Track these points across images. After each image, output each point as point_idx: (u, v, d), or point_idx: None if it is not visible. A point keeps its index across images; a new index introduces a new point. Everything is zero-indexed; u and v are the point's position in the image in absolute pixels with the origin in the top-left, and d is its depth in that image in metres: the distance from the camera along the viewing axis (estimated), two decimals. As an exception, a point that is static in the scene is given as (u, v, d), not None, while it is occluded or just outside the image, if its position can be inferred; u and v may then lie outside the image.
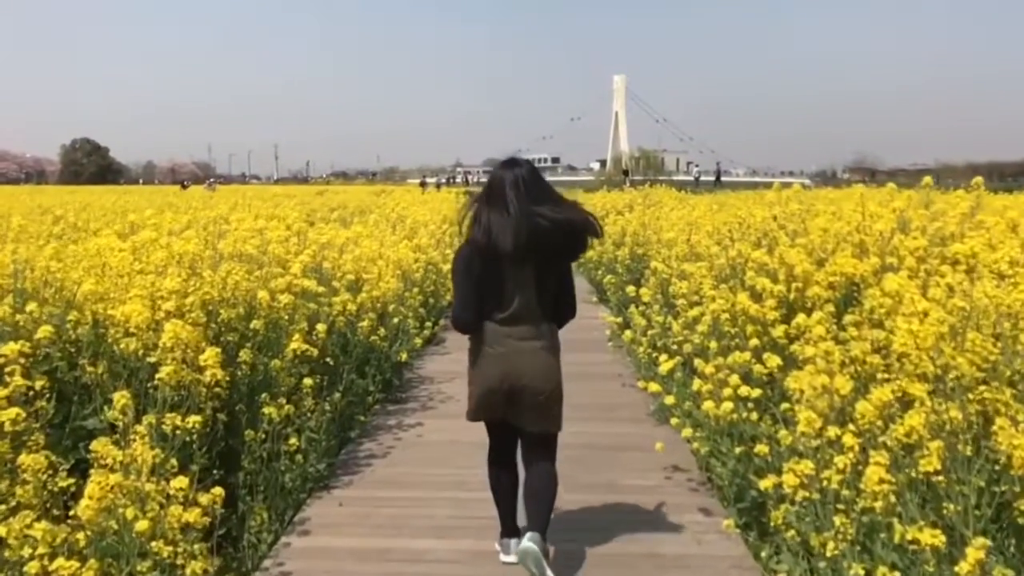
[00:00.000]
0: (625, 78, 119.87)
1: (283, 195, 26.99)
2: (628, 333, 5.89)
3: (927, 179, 4.46)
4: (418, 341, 6.18)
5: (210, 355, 3.39)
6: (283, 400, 4.06)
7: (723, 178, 60.61)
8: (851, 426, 2.81)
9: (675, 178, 54.01)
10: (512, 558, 3.38)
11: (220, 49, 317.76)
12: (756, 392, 3.52)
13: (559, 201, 3.22)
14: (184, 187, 40.80)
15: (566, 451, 4.88)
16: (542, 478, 3.36)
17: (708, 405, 3.65)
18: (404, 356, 6.02)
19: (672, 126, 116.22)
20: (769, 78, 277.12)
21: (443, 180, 59.15)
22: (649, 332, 5.88)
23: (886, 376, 2.82)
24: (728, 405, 3.49)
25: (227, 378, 4.03)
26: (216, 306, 4.04)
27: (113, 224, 5.31)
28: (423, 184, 45.54)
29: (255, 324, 4.04)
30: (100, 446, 2.65)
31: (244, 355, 3.94)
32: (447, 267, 9.13)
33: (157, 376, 3.04)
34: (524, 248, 3.10)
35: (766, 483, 2.84)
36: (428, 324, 6.56)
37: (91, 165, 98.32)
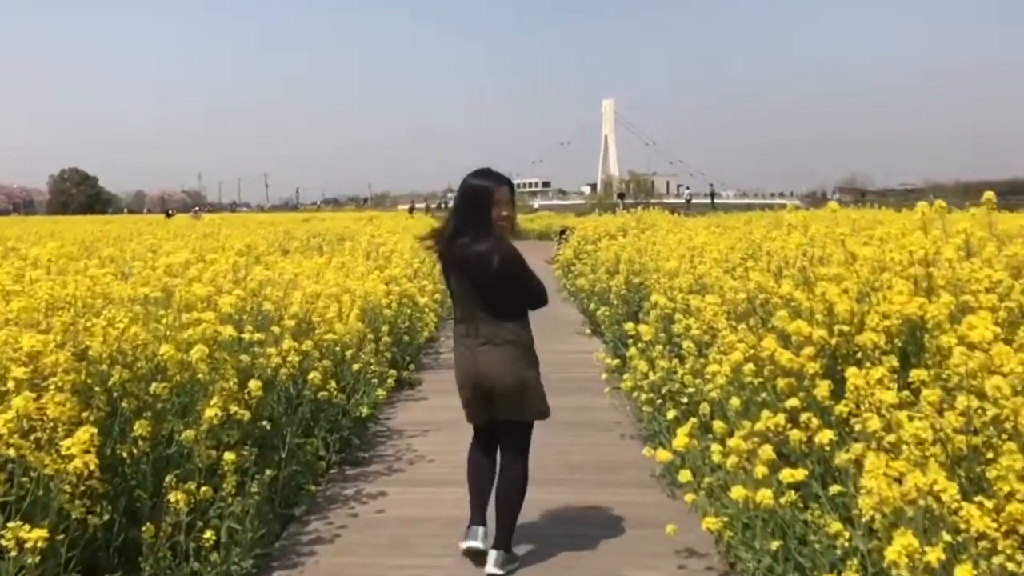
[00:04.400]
0: (613, 102, 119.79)
1: (267, 222, 26.16)
2: (627, 380, 5.04)
3: (988, 194, 3.63)
4: (380, 393, 5.30)
5: (77, 440, 2.54)
6: (193, 484, 3.20)
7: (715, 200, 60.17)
8: (945, 534, 2.00)
9: (666, 201, 53.65)
10: (472, 544, 3.56)
11: (210, 77, 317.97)
12: (800, 474, 2.68)
13: (483, 232, 3.35)
14: (169, 216, 40.04)
15: (559, 527, 4.06)
16: (510, 482, 3.51)
17: (738, 492, 2.80)
18: (365, 410, 5.14)
19: (661, 149, 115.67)
20: (755, 101, 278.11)
21: (433, 205, 58.42)
22: (651, 376, 5.04)
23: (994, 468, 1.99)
24: (767, 494, 2.64)
25: (125, 457, 3.21)
26: (107, 365, 3.19)
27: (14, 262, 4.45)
28: (411, 209, 44.92)
29: (156, 388, 3.18)
30: None
31: (140, 428, 3.08)
32: (424, 300, 8.31)
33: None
34: (451, 264, 3.47)
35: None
36: (392, 372, 5.64)
37: (80, 195, 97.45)
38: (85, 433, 2.58)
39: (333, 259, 8.83)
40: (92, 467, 2.58)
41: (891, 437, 2.52)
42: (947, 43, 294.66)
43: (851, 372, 2.83)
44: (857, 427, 2.74)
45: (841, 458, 2.69)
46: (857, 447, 2.75)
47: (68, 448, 2.51)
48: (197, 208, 56.61)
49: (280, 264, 6.09)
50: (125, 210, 77.47)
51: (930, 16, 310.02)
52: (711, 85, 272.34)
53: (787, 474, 2.62)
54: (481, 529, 3.60)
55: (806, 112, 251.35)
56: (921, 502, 1.92)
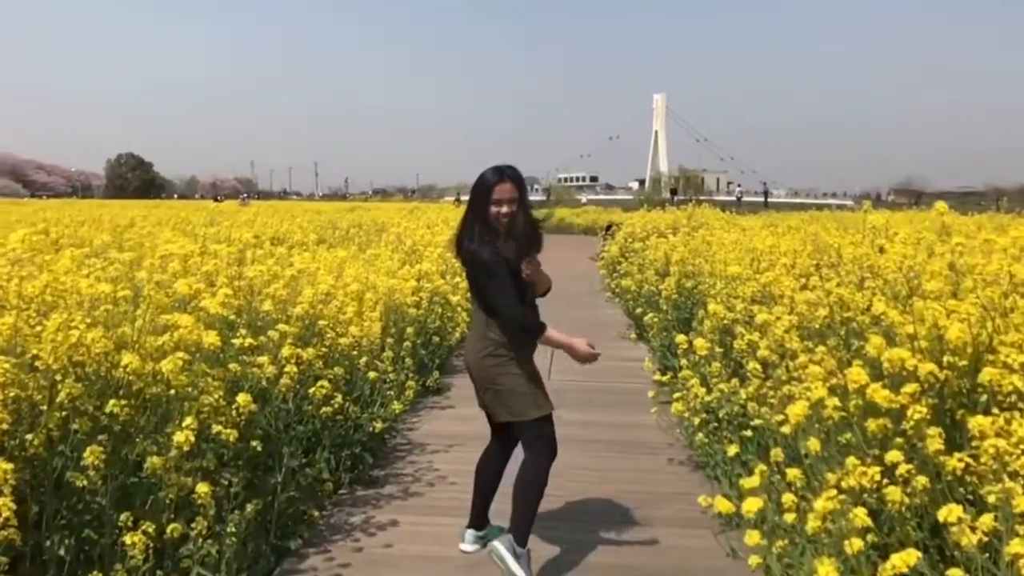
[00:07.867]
0: (665, 97, 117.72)
1: (312, 211, 25.96)
2: (677, 403, 4.40)
3: None
4: (397, 407, 4.73)
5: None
6: (161, 519, 2.69)
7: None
8: None
9: (716, 198, 52.31)
10: (468, 547, 3.61)
11: (266, 67, 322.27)
12: (913, 558, 2.04)
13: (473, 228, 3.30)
14: (218, 201, 40.51)
15: (597, 573, 3.49)
16: (521, 478, 3.33)
17: (825, 573, 2.17)
18: (379, 425, 4.59)
19: (712, 146, 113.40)
20: (810, 98, 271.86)
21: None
22: (706, 397, 4.41)
23: None
24: (868, 586, 2.01)
25: (79, 487, 2.70)
26: (60, 378, 2.68)
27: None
28: (458, 200, 44.73)
29: (112, 406, 2.66)
30: None
31: (92, 455, 2.57)
32: (457, 298, 7.76)
33: None
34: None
35: None
36: (411, 384, 5.02)
37: (135, 180, 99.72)
38: (-1, 470, 2.07)
39: (368, 251, 8.33)
40: (7, 513, 2.06)
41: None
42: (1005, 45, 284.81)
43: (979, 423, 2.20)
44: (991, 499, 2.11)
45: (969, 539, 2.05)
46: (986, 520, 2.12)
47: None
48: (245, 195, 57.22)
49: (297, 257, 5.58)
50: (175, 196, 78.82)
51: (987, 21, 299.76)
52: (765, 83, 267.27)
53: (899, 560, 1.98)
54: (471, 532, 3.62)
55: (859, 112, 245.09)
56: None
